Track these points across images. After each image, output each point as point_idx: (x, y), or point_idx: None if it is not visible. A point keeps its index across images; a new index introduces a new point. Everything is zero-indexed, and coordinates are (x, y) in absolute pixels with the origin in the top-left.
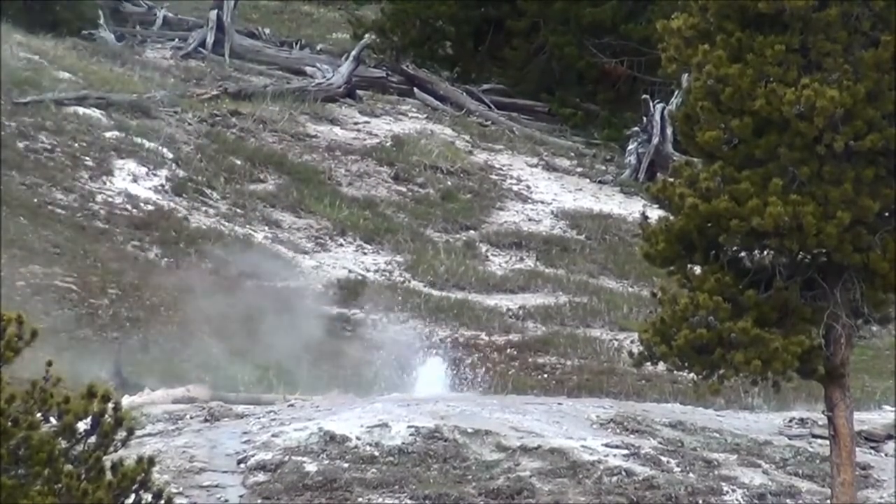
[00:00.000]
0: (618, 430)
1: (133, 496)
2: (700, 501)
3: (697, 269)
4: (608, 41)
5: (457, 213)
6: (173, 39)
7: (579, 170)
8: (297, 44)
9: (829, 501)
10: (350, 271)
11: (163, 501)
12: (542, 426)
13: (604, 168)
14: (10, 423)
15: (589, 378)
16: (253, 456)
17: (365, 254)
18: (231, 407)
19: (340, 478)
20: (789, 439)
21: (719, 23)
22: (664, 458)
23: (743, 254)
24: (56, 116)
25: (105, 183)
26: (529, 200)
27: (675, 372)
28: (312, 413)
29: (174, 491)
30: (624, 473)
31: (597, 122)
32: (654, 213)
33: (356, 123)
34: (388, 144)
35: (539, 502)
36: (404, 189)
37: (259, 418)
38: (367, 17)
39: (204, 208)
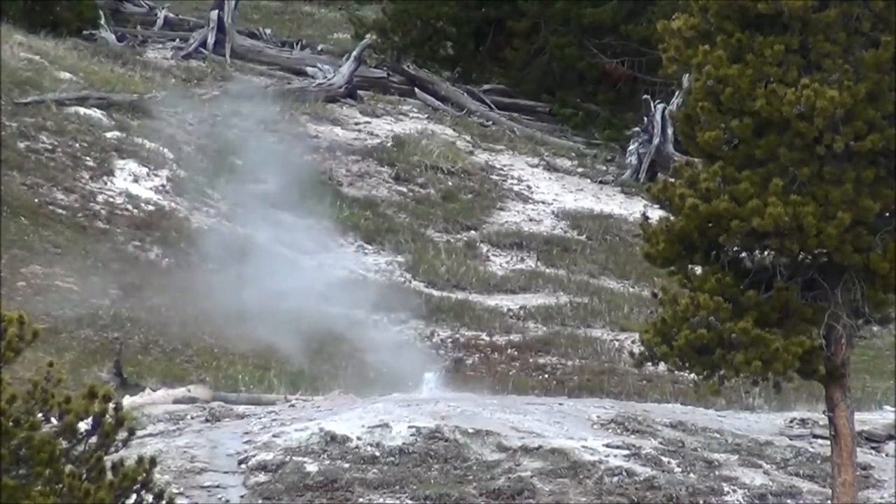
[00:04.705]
0: (619, 431)
1: (134, 496)
2: (701, 502)
3: (698, 270)
4: (609, 42)
5: (457, 213)
6: (174, 40)
7: (580, 170)
8: (297, 44)
9: (829, 502)
10: (351, 271)
11: (164, 502)
12: (543, 426)
13: (604, 168)
14: (11, 424)
15: (590, 378)
16: (254, 456)
17: (366, 254)
18: (232, 407)
19: (341, 478)
20: (790, 440)
21: (719, 23)
22: (665, 459)
23: (743, 254)
24: (57, 117)
25: (106, 183)
26: (530, 201)
27: (676, 372)
28: (313, 413)
29: (175, 491)
30: (625, 474)
31: (597, 123)
32: (655, 214)
33: (357, 124)
34: (388, 145)
35: (540, 502)
36: (405, 189)
37: (260, 418)
38: (367, 18)
39: (205, 208)
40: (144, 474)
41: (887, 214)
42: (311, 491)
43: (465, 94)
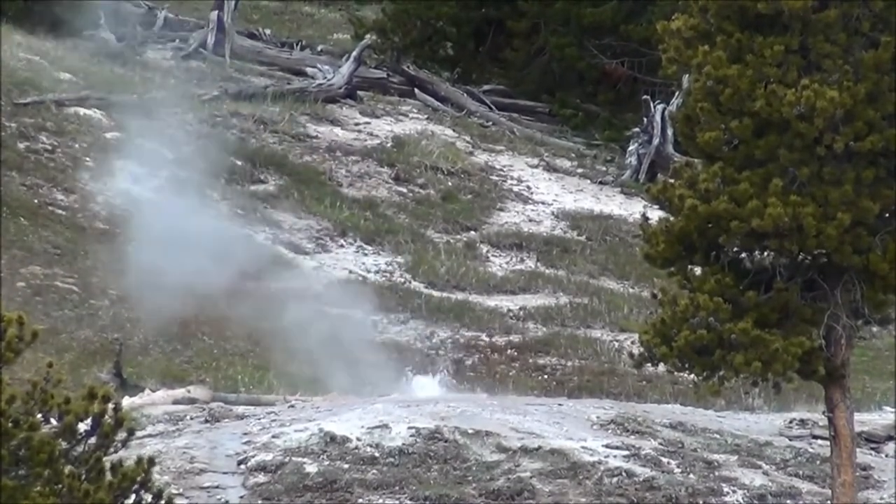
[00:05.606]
0: (618, 431)
1: (133, 497)
2: (700, 502)
3: (698, 270)
4: (609, 42)
5: (457, 213)
6: (174, 40)
7: (580, 171)
8: (297, 44)
9: (829, 502)
10: (350, 272)
11: (163, 502)
12: (543, 427)
13: (604, 169)
14: (10, 424)
15: (589, 379)
16: (253, 457)
17: (365, 255)
18: (231, 408)
19: (341, 479)
20: (790, 440)
21: (719, 24)
22: (665, 459)
23: (743, 255)
24: (56, 117)
25: (105, 184)
26: (530, 201)
27: (676, 373)
28: (313, 414)
29: (174, 492)
30: (624, 474)
31: (597, 123)
32: (655, 214)
33: (357, 124)
34: (388, 145)
35: (539, 503)
36: (405, 190)
37: (259, 419)
38: (367, 18)
39: (204, 209)
40: (143, 475)
41: (887, 215)
42: (311, 492)
43: (465, 95)
